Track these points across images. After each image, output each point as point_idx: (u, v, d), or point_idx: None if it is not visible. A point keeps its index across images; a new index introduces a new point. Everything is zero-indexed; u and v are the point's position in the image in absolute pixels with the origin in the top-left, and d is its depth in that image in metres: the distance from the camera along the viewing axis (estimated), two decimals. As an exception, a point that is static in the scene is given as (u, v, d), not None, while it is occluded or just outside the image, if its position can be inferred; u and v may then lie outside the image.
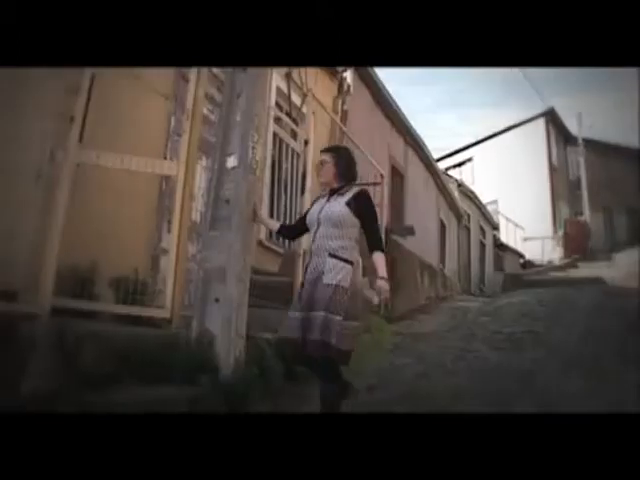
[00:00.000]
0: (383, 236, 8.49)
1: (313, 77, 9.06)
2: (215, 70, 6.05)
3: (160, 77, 5.59)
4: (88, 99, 4.13)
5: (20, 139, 4.19)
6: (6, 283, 3.95)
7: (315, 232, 4.04)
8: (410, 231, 11.05)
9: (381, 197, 9.24)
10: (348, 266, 3.93)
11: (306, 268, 4.06)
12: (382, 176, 9.31)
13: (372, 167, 9.15)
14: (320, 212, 4.04)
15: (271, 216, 8.17)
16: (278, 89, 8.42)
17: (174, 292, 4.47)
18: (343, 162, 4.16)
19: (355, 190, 4.09)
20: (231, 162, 4.52)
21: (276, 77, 8.19)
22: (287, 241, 8.32)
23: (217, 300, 4.37)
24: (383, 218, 8.99)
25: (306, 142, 6.53)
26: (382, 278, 3.97)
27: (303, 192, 6.35)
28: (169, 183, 5.43)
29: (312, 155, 6.24)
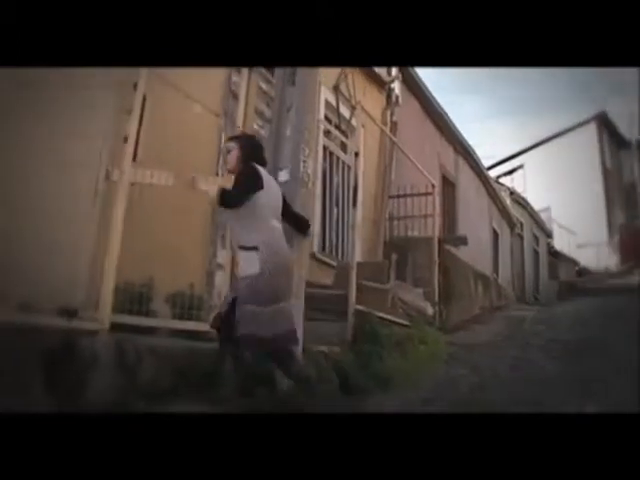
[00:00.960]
0: (435, 247, 8.53)
1: (361, 89, 9.09)
2: (264, 86, 6.10)
3: (210, 94, 5.66)
4: (141, 119, 4.19)
5: (77, 159, 4.28)
6: (67, 300, 4.04)
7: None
8: (463, 241, 10.95)
9: (433, 207, 9.18)
10: (253, 253, 3.87)
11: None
12: (433, 186, 9.26)
13: (423, 177, 9.10)
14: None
15: (323, 229, 8.20)
16: (327, 102, 8.45)
17: (228, 307, 4.51)
18: (248, 148, 4.09)
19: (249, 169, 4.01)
20: (283, 176, 4.55)
21: (324, 90, 8.22)
22: (340, 254, 8.33)
23: (273, 314, 4.38)
24: (435, 228, 8.94)
25: (356, 154, 6.54)
26: None
27: (355, 204, 6.35)
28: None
29: (363, 167, 6.25)
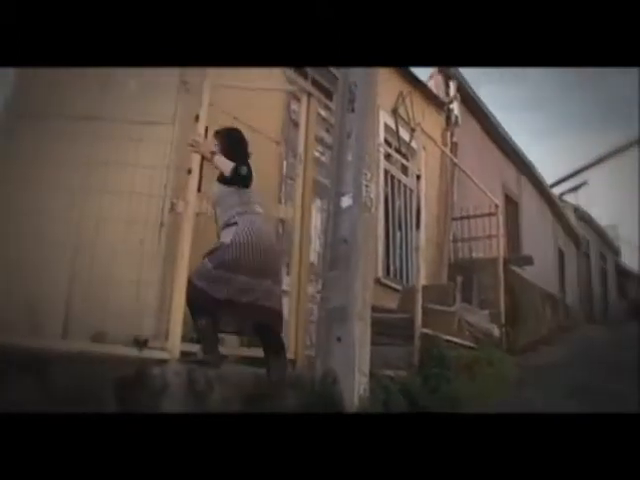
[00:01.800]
0: (501, 268, 8.41)
1: (420, 111, 9.08)
2: (323, 113, 6.15)
3: (270, 123, 5.73)
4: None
5: (142, 190, 4.38)
6: (138, 330, 4.14)
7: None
8: (528, 260, 10.78)
9: (497, 227, 9.07)
10: (232, 227, 4.03)
11: None
12: (497, 206, 9.15)
13: (485, 197, 9.01)
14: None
15: (387, 253, 8.18)
16: (386, 126, 8.47)
17: (297, 333, 4.54)
18: (226, 144, 4.20)
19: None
20: (346, 202, 4.55)
21: (383, 114, 8.24)
22: (404, 277, 8.29)
23: (339, 339, 4.37)
24: (500, 249, 8.82)
25: (418, 177, 6.51)
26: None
27: (418, 227, 6.32)
28: (285, 226, 5.53)
29: (425, 190, 6.22)
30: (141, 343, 4.00)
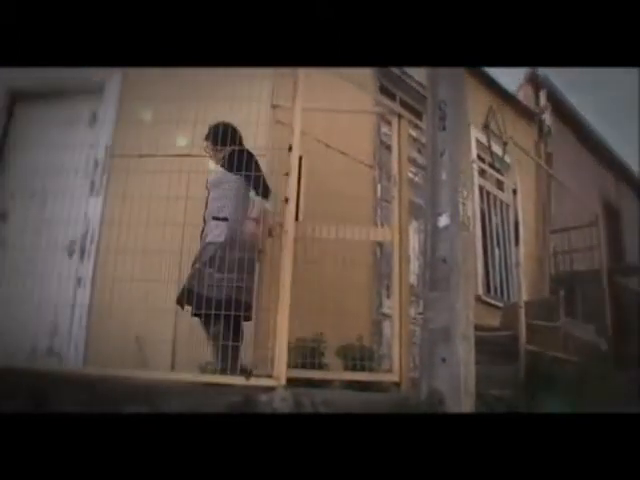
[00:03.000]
0: (604, 279, 8.14)
1: (511, 124, 8.96)
2: (414, 133, 6.15)
3: (361, 147, 5.77)
4: (299, 179, 4.31)
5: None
6: (243, 359, 4.26)
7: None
8: (633, 270, 10.41)
9: (598, 238, 8.80)
10: (223, 223, 4.36)
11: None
12: (597, 216, 8.89)
13: (584, 208, 8.78)
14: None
15: (486, 270, 8.08)
16: (478, 141, 8.38)
17: (401, 355, 4.53)
18: (211, 135, 4.68)
19: (228, 150, 4.51)
20: (443, 221, 4.51)
21: (474, 130, 8.17)
22: (506, 294, 8.16)
23: (444, 360, 4.32)
24: (602, 260, 8.55)
25: (514, 191, 6.41)
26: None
27: (517, 242, 6.21)
28: (383, 249, 5.54)
29: (521, 203, 6.13)
30: (247, 371, 4.08)
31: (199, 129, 4.64)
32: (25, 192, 5.48)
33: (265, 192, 4.59)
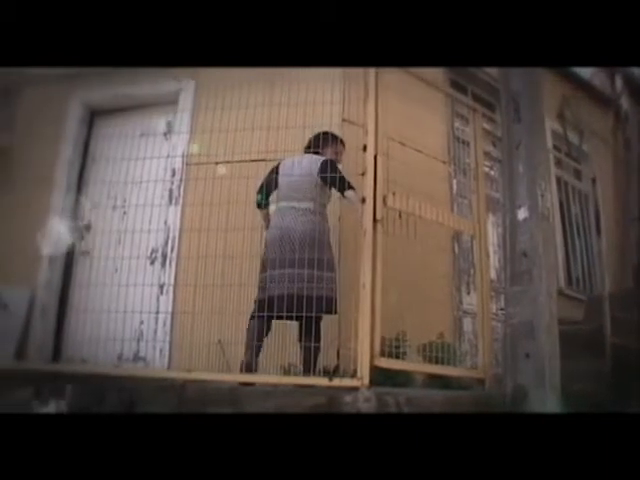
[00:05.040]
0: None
1: (586, 112, 8.75)
2: (487, 126, 6.08)
3: (436, 144, 5.73)
4: (375, 179, 4.31)
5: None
6: (326, 361, 4.33)
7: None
8: None
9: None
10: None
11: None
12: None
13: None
14: None
15: (567, 263, 7.93)
16: (553, 131, 8.22)
17: (484, 352, 4.51)
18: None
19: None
20: (522, 214, 4.45)
21: (548, 120, 8.00)
22: (588, 286, 7.99)
23: (528, 355, 4.27)
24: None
25: (593, 180, 6.28)
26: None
27: (599, 232, 6.08)
28: (461, 245, 5.50)
29: (601, 192, 5.99)
30: (331, 373, 4.10)
31: (272, 134, 4.69)
32: (107, 204, 5.63)
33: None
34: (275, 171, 4.90)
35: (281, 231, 4.67)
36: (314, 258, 4.40)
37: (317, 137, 4.90)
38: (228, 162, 4.73)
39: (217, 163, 4.74)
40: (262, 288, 4.62)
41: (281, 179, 4.88)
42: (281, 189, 4.88)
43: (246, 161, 4.71)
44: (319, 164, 4.76)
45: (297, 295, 4.45)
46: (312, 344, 4.35)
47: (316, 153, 4.85)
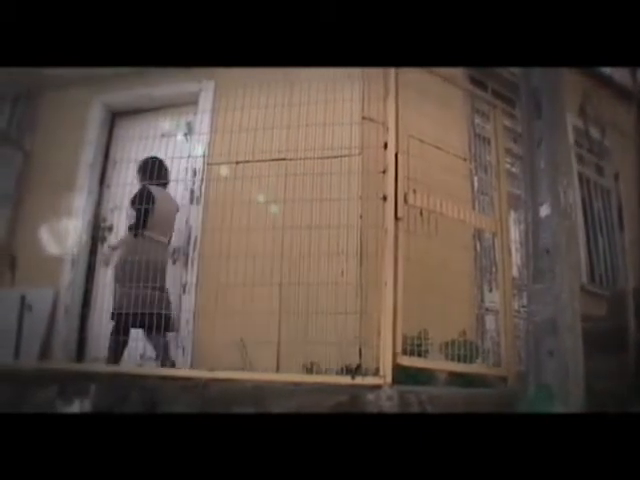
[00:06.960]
0: None
1: (608, 107, 8.67)
2: (507, 123, 6.03)
3: (457, 141, 5.70)
4: (396, 177, 4.30)
5: (338, 222, 4.57)
6: (345, 359, 4.35)
7: None
8: None
9: None
10: None
11: None
12: None
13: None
14: None
15: (589, 259, 7.87)
16: (574, 127, 8.15)
17: (507, 350, 4.49)
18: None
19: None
20: (544, 211, 4.42)
21: (570, 116, 7.94)
22: (610, 282, 7.93)
23: (551, 353, 4.25)
24: None
25: (616, 176, 6.23)
26: None
27: (622, 228, 6.03)
28: (482, 243, 5.48)
29: (624, 188, 5.94)
30: (353, 371, 4.11)
31: (292, 133, 4.70)
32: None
33: None
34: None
35: None
36: None
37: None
38: (248, 162, 4.74)
39: (237, 163, 4.75)
40: None
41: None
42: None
43: (266, 160, 4.72)
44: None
45: None
46: None
47: None
